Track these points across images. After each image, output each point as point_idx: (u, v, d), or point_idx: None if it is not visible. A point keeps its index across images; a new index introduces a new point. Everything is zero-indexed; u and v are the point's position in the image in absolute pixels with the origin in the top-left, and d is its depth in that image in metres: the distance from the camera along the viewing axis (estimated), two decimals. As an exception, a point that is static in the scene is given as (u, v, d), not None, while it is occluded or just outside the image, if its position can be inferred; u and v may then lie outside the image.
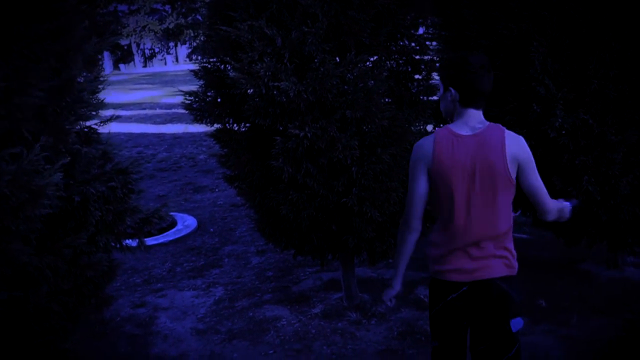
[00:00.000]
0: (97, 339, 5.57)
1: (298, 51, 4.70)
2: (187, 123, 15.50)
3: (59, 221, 3.73)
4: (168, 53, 47.53)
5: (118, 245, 4.16)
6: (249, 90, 4.75)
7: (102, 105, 4.24)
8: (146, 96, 24.62)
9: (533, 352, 4.76)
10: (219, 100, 5.25)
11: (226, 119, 5.22)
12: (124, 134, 16.10)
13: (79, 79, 3.89)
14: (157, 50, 47.50)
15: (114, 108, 20.70)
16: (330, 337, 5.30)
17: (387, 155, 4.82)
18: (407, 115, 4.94)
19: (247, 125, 5.24)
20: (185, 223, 8.65)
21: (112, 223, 3.96)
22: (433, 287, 3.42)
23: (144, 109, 20.84)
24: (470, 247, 3.22)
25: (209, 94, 5.32)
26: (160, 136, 15.92)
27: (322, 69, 4.63)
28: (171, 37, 41.75)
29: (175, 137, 15.62)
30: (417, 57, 5.38)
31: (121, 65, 41.43)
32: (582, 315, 5.26)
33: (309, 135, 4.60)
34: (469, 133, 3.15)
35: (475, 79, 3.15)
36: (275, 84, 4.57)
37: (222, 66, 5.27)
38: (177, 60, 47.11)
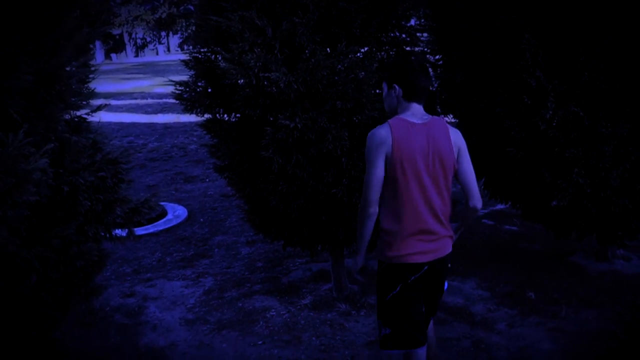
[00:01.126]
0: (86, 328, 5.55)
1: (289, 42, 4.69)
2: (178, 113, 15.47)
3: (48, 211, 3.71)
4: (160, 43, 47.42)
5: (108, 235, 4.14)
6: (239, 81, 4.73)
7: (93, 94, 4.22)
8: (137, 86, 24.53)
9: (522, 345, 4.78)
10: (209, 90, 5.23)
11: (216, 109, 5.21)
12: (115, 123, 16.06)
13: (69, 68, 3.86)
14: (148, 40, 47.37)
15: (105, 97, 20.54)
16: (319, 328, 5.29)
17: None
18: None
19: (238, 115, 5.22)
20: (176, 213, 8.63)
21: (102, 213, 3.94)
22: (388, 272, 3.59)
23: (135, 98, 20.77)
24: (429, 227, 3.51)
25: (199, 84, 5.31)
26: (151, 126, 15.87)
27: (312, 60, 4.62)
28: (163, 26, 41.67)
29: (167, 126, 15.58)
30: (408, 48, 5.37)
31: (113, 55, 41.28)
32: (571, 307, 5.27)
33: (299, 126, 4.59)
34: (420, 122, 3.50)
35: (416, 76, 3.53)
36: (266, 74, 4.55)
37: (213, 56, 5.26)
38: (168, 50, 46.98)
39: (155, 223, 8.21)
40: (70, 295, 4.10)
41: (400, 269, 3.54)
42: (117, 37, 42.42)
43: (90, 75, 4.15)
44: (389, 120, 3.51)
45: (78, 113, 4.15)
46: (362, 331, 5.19)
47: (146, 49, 47.09)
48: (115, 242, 4.24)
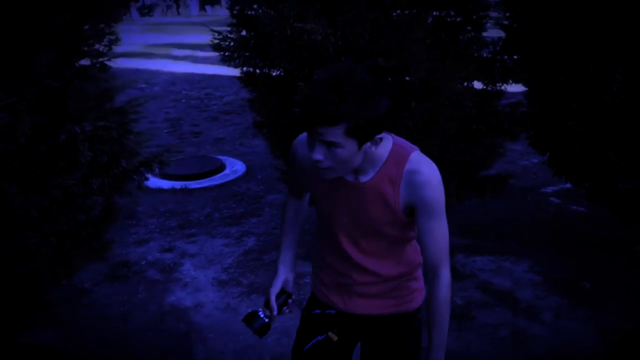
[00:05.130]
0: (117, 281, 5.42)
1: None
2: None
3: (49, 161, 3.48)
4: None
5: (116, 188, 3.89)
6: (275, 32, 4.38)
7: (116, 40, 3.95)
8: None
9: (565, 340, 4.35)
10: (250, 42, 4.89)
11: (255, 62, 4.87)
12: (197, 74, 16.04)
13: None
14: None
15: (192, 49, 20.78)
16: (353, 300, 4.98)
17: (422, 110, 4.38)
18: (449, 68, 4.47)
19: (277, 69, 4.87)
20: (234, 168, 8.41)
21: (107, 165, 3.69)
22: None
23: (223, 51, 20.59)
24: None
25: (241, 34, 4.98)
26: (232, 79, 15.70)
27: (354, 12, 4.21)
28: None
29: (248, 80, 15.39)
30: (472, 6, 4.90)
31: (207, 7, 41.43)
32: (628, 303, 4.75)
33: (333, 82, 4.21)
34: None
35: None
36: (301, 25, 4.18)
37: (255, 5, 4.91)
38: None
39: (211, 177, 8.02)
40: (76, 249, 3.88)
41: None
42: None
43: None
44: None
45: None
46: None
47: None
48: (125, 195, 3.98)
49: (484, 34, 4.97)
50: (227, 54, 4.90)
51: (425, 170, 2.33)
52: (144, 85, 14.50)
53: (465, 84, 4.73)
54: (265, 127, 5.10)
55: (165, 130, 10.67)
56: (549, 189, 7.07)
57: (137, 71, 15.50)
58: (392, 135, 2.41)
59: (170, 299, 5.09)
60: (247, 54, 4.87)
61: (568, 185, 6.02)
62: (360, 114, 2.08)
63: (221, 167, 8.35)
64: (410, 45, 4.27)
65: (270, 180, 8.03)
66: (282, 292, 2.71)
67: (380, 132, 2.21)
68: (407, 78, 4.47)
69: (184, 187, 7.67)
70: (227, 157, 8.86)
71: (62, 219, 3.61)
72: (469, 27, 4.85)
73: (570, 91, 4.60)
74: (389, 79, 4.42)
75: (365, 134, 2.16)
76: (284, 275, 2.77)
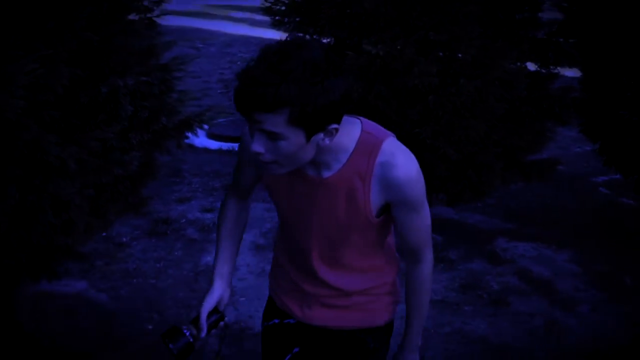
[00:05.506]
0: (155, 237, 5.46)
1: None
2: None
3: (90, 113, 3.49)
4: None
5: (156, 145, 3.89)
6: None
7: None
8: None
9: (598, 334, 4.24)
10: (302, 7, 4.82)
11: (305, 28, 4.80)
12: (254, 37, 15.81)
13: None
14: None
15: (250, 11, 20.58)
16: (387, 275, 4.93)
17: (471, 88, 4.27)
18: (501, 47, 4.34)
19: (327, 37, 4.79)
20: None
21: (147, 121, 3.68)
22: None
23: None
24: None
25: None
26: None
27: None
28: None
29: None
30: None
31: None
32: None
33: (380, 53, 4.12)
34: None
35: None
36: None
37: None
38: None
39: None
40: (112, 203, 3.90)
41: None
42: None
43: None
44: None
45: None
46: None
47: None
48: (163, 153, 3.97)
49: (540, 14, 4.81)
50: (277, 18, 4.83)
51: (401, 162, 1.92)
52: (200, 45, 14.52)
53: (518, 64, 4.59)
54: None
55: (219, 91, 10.69)
56: (599, 179, 6.87)
57: (196, 30, 15.56)
58: (362, 119, 1.99)
59: (206, 259, 5.11)
60: (298, 19, 4.80)
61: (618, 176, 5.85)
62: (306, 98, 1.65)
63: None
64: (462, 20, 4.15)
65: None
66: (215, 311, 2.23)
67: (334, 122, 1.77)
68: (459, 55, 4.36)
69: (231, 148, 7.67)
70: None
71: (99, 172, 3.63)
72: (525, 7, 4.69)
73: (625, 79, 4.43)
74: (440, 54, 4.32)
75: (313, 124, 1.73)
76: (219, 290, 2.27)
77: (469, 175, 4.66)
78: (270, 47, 1.69)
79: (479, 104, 4.36)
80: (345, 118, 1.84)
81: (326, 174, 1.95)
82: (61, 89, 2.98)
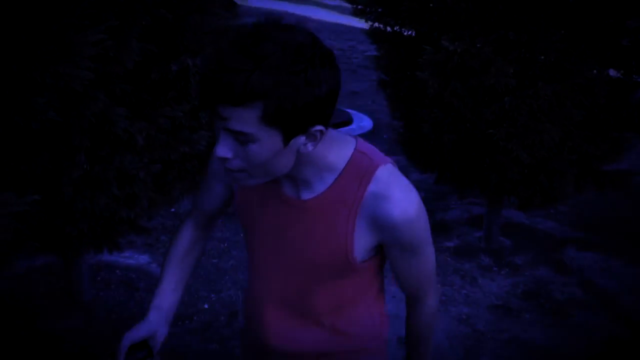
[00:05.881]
0: (223, 217, 5.48)
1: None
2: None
3: (160, 89, 3.54)
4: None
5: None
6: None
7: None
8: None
9: None
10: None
11: (386, 19, 4.76)
12: (344, 25, 15.99)
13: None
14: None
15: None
16: (449, 276, 4.87)
17: (549, 91, 4.15)
18: (583, 51, 4.20)
19: (408, 29, 4.74)
20: (361, 124, 8.35)
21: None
22: None
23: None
24: None
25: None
26: (379, 34, 15.56)
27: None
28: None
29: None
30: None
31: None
32: None
33: (458, 50, 4.05)
34: None
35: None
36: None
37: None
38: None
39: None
40: (180, 181, 3.97)
41: None
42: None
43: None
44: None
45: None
46: (492, 292, 4.71)
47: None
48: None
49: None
50: (359, 7, 4.80)
51: (398, 196, 1.55)
52: (285, 30, 14.58)
53: (598, 70, 4.43)
54: (388, 87, 5.01)
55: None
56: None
57: (286, 14, 15.59)
58: (358, 138, 1.67)
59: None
60: (380, 9, 4.76)
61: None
62: (284, 91, 1.30)
63: (348, 121, 8.32)
64: (544, 22, 4.04)
65: (394, 140, 7.93)
66: (143, 345, 1.78)
67: (319, 122, 1.42)
68: (541, 57, 4.24)
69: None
70: (357, 112, 8.80)
71: (167, 149, 3.69)
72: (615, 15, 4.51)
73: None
74: (519, 54, 4.22)
75: (293, 123, 1.37)
76: (152, 324, 1.80)
77: (541, 181, 4.54)
78: (244, 27, 1.35)
79: (556, 109, 4.23)
80: (338, 134, 1.60)
81: (306, 195, 1.59)
82: (131, 62, 3.03)
